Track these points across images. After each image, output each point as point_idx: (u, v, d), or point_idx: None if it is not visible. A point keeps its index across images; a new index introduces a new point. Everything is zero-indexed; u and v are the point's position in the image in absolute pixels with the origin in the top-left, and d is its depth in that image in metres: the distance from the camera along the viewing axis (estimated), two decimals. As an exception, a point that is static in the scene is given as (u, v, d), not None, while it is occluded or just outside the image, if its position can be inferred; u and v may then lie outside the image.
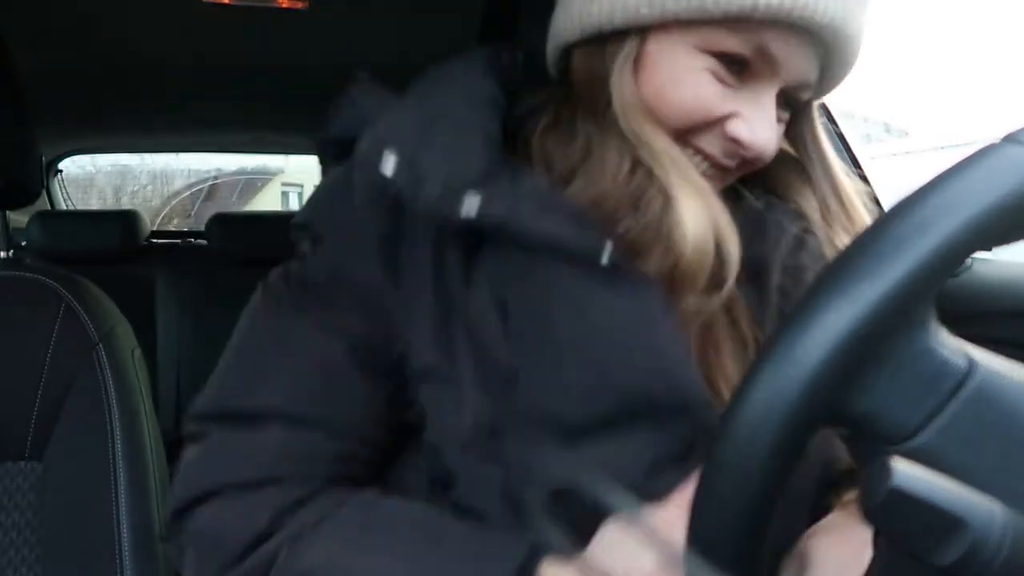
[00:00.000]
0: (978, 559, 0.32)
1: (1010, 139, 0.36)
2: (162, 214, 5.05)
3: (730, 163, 0.55)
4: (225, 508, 0.54)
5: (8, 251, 1.05)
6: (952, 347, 0.38)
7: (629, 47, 0.54)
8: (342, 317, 0.55)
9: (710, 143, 0.54)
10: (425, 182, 0.50)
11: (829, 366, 0.35)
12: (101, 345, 0.92)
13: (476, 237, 0.53)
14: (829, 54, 0.53)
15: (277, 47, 1.64)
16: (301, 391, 0.55)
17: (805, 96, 0.57)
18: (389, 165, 0.51)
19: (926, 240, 0.35)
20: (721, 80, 0.53)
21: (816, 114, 0.60)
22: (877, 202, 0.68)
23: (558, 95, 0.60)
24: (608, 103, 0.54)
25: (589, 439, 0.50)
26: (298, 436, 0.54)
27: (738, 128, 0.53)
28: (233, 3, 1.33)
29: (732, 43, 0.51)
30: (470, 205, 0.49)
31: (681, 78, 0.53)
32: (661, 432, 0.50)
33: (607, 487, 0.46)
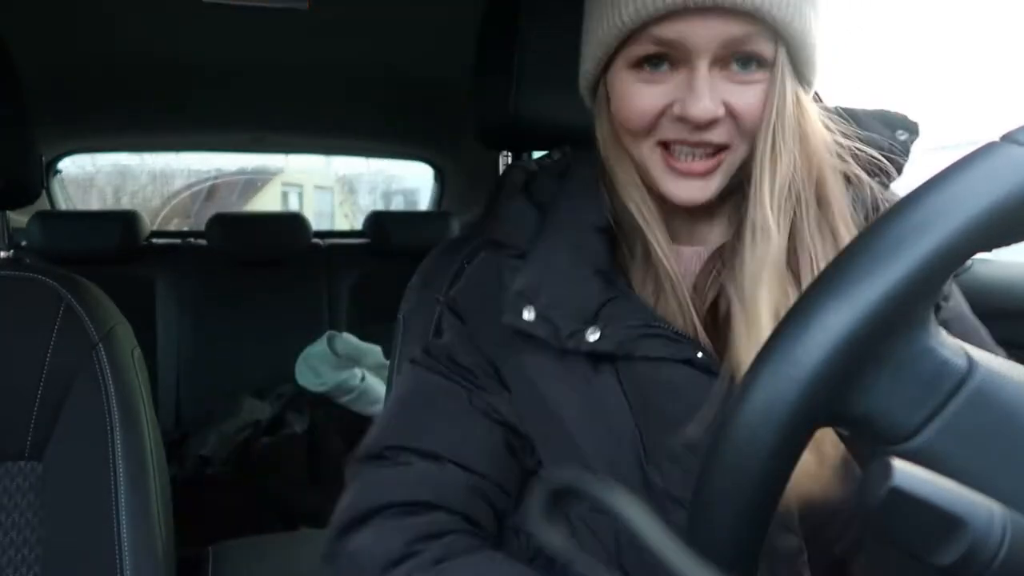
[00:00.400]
0: (978, 559, 0.32)
1: (1009, 139, 0.36)
2: (162, 214, 5.04)
3: (696, 136, 0.62)
4: (369, 534, 0.63)
5: (8, 251, 1.05)
6: (952, 347, 0.38)
7: (600, 94, 0.68)
8: (488, 400, 0.67)
9: (671, 130, 0.63)
10: (558, 328, 0.64)
11: (829, 366, 0.35)
12: (101, 345, 0.92)
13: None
14: (741, 8, 0.58)
15: (277, 47, 1.64)
16: (450, 444, 0.66)
17: (757, 48, 0.60)
18: (530, 316, 0.65)
19: (926, 240, 0.35)
20: (651, 82, 0.62)
21: (782, 75, 0.62)
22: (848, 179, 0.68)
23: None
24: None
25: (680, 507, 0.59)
26: (438, 468, 0.65)
27: (676, 109, 0.61)
28: (233, 3, 1.33)
29: (638, 50, 0.61)
30: (591, 339, 0.63)
31: (623, 97, 0.64)
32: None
33: (607, 487, 0.46)
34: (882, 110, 0.73)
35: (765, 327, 0.59)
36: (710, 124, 0.61)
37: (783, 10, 0.59)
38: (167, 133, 2.51)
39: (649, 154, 0.64)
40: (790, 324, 0.36)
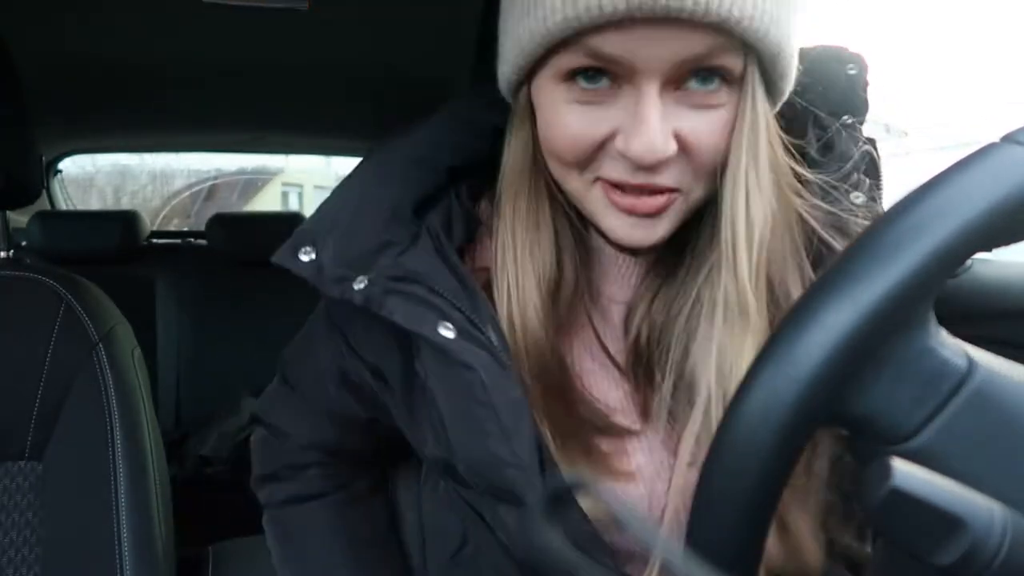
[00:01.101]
0: (978, 559, 0.32)
1: (1009, 139, 0.36)
2: (162, 214, 5.04)
3: (641, 180, 0.49)
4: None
5: (8, 251, 1.05)
6: (952, 347, 0.38)
7: (520, 102, 0.54)
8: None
9: (612, 168, 0.50)
10: (324, 271, 0.54)
11: (828, 366, 0.35)
12: (101, 345, 0.92)
13: None
14: (705, 20, 0.44)
15: (277, 47, 1.64)
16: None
17: (719, 62, 0.47)
18: (306, 257, 0.55)
19: (925, 240, 0.35)
20: (588, 103, 0.49)
21: (753, 96, 0.49)
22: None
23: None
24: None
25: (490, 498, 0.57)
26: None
27: (618, 144, 0.48)
28: (233, 3, 1.33)
29: (573, 60, 0.48)
30: (358, 287, 0.53)
31: (551, 118, 0.51)
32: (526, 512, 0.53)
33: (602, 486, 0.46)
34: (828, 47, 0.59)
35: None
36: (657, 165, 0.48)
37: (758, 20, 0.45)
38: (167, 133, 2.51)
39: (584, 188, 0.52)
40: (789, 324, 0.36)
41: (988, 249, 0.38)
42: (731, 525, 0.37)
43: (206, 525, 1.53)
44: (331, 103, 2.11)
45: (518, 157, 0.55)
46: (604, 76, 0.48)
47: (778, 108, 0.52)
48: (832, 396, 0.36)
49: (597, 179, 0.51)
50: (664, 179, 0.49)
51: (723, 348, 0.50)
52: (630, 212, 0.50)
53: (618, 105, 0.48)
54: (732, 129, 0.49)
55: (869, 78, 0.58)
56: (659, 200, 0.50)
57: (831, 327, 0.35)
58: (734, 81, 0.48)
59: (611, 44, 0.46)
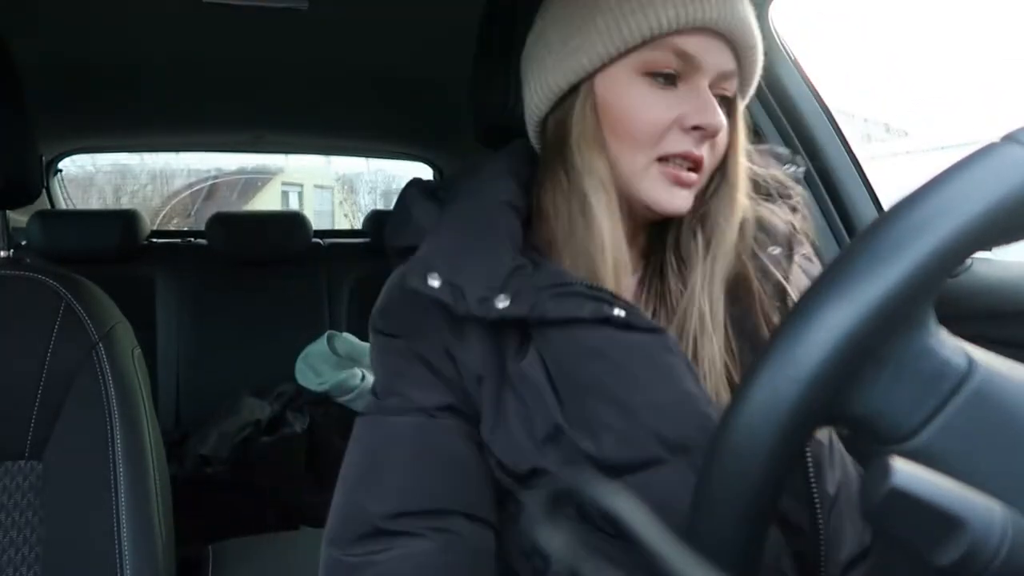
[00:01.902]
0: (978, 559, 0.32)
1: (1010, 139, 0.36)
2: (162, 214, 5.04)
3: (699, 150, 0.65)
4: None
5: (8, 250, 1.05)
6: (952, 347, 0.38)
7: (584, 92, 0.67)
8: (430, 392, 0.66)
9: (679, 142, 0.65)
10: (464, 293, 0.63)
11: (829, 366, 0.35)
12: (101, 345, 0.92)
13: (525, 324, 0.64)
14: (735, 48, 0.65)
15: (277, 47, 1.64)
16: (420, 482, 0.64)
17: (730, 88, 0.67)
18: (435, 282, 0.63)
19: (925, 240, 0.35)
20: (663, 93, 0.65)
21: (738, 118, 0.69)
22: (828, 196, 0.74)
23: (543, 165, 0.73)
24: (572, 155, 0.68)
25: (630, 475, 0.59)
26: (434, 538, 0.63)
27: (691, 119, 0.64)
28: (233, 3, 1.33)
29: (657, 58, 0.64)
30: (501, 305, 0.62)
31: (632, 103, 0.65)
32: (694, 467, 0.58)
33: (602, 488, 0.46)
34: (769, 146, 0.79)
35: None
36: (711, 138, 0.65)
37: (756, 56, 0.67)
38: (167, 133, 2.51)
39: (645, 166, 0.66)
40: (790, 324, 0.36)
41: (988, 249, 0.38)
42: (732, 524, 0.37)
43: (206, 525, 1.53)
44: (331, 103, 2.11)
45: (584, 137, 0.67)
46: (674, 78, 0.65)
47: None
48: (832, 396, 0.36)
49: (659, 159, 0.66)
50: (706, 156, 0.66)
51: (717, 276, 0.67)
52: (678, 182, 0.66)
53: (680, 99, 0.65)
54: (731, 137, 0.68)
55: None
56: (694, 176, 0.66)
57: (831, 327, 0.35)
58: (726, 105, 0.67)
59: (691, 44, 0.64)
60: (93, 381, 0.91)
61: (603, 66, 0.66)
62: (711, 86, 0.65)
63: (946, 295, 0.38)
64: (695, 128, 0.64)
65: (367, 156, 2.95)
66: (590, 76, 0.66)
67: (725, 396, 0.64)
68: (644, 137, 0.65)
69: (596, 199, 0.66)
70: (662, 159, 0.65)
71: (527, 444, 0.62)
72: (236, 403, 2.07)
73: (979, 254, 0.38)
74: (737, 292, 0.68)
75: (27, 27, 1.43)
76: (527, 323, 0.63)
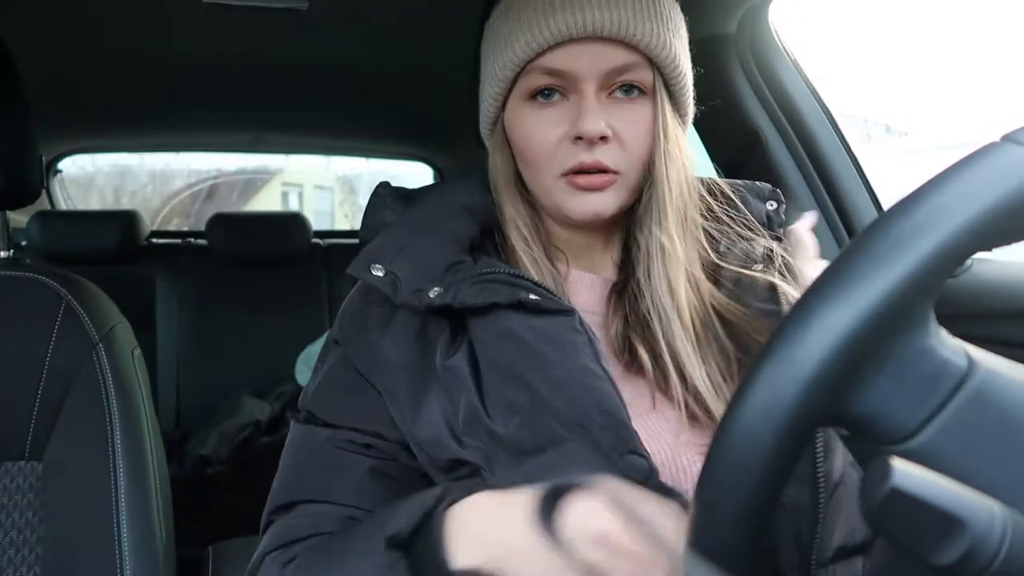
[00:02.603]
0: (978, 559, 0.32)
1: (1009, 139, 0.36)
2: (162, 214, 5.04)
3: (591, 158, 0.66)
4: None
5: (8, 251, 1.05)
6: (952, 347, 0.38)
7: (497, 132, 0.72)
8: (352, 435, 0.68)
9: (570, 155, 0.67)
10: (401, 284, 0.66)
11: (829, 366, 0.35)
12: (101, 345, 0.92)
13: (456, 318, 0.66)
14: (622, 41, 0.65)
15: (277, 47, 1.64)
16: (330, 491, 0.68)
17: (637, 78, 0.67)
18: (378, 273, 0.67)
19: (925, 241, 0.35)
20: (547, 111, 0.67)
21: (661, 105, 0.69)
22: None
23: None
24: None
25: (534, 457, 0.60)
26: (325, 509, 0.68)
27: (571, 131, 0.66)
28: (233, 3, 1.33)
29: (530, 81, 0.67)
30: (432, 293, 0.65)
31: (524, 130, 0.68)
32: (594, 446, 0.60)
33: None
34: (749, 182, 0.79)
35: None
36: (601, 141, 0.66)
37: (655, 40, 0.66)
38: (167, 133, 2.51)
39: (552, 183, 0.68)
40: (790, 324, 0.36)
41: (988, 249, 0.38)
42: (732, 524, 0.37)
43: (206, 525, 1.53)
44: (330, 103, 2.11)
45: (500, 175, 0.73)
46: (555, 92, 0.67)
47: (688, 123, 0.73)
48: (833, 396, 0.36)
49: (561, 175, 0.67)
50: (606, 159, 0.66)
51: (667, 278, 0.69)
52: (587, 188, 0.67)
53: (567, 111, 0.67)
54: (652, 126, 0.68)
55: (785, 215, 0.78)
56: (605, 177, 0.67)
57: (832, 327, 0.35)
58: (648, 93, 0.68)
59: (560, 60, 0.66)
60: (93, 381, 0.91)
61: (502, 105, 0.71)
62: (607, 85, 0.66)
63: (946, 295, 0.38)
64: (578, 138, 0.66)
65: (367, 156, 2.94)
66: (499, 116, 0.72)
67: (709, 398, 0.65)
68: (540, 159, 0.68)
69: (515, 228, 0.72)
70: (564, 174, 0.67)
71: (447, 437, 0.63)
72: (236, 403, 2.07)
73: (979, 254, 0.38)
74: (720, 312, 0.69)
75: (27, 27, 1.43)
76: (458, 315, 0.66)
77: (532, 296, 0.64)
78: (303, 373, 2.13)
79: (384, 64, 1.73)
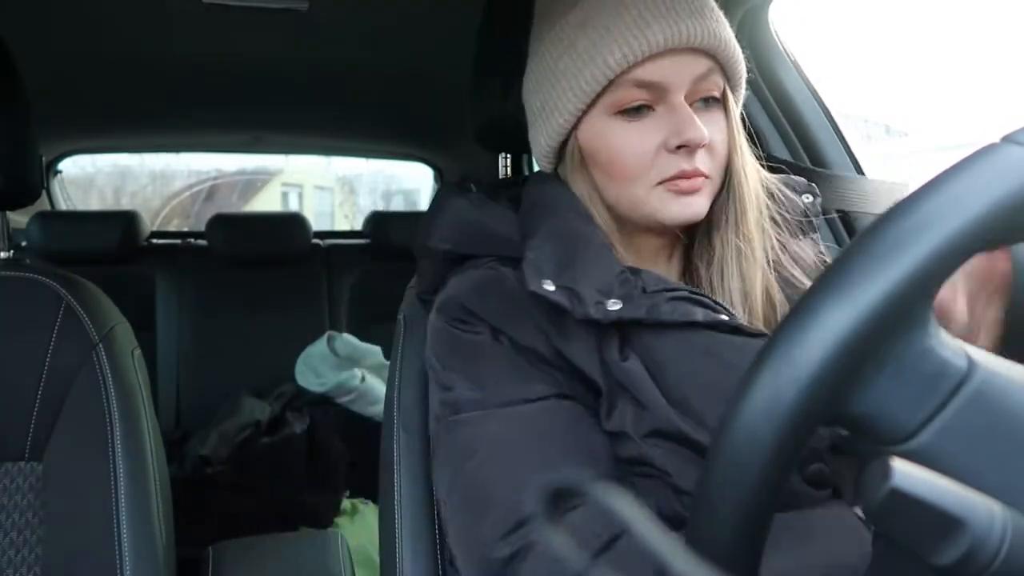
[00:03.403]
0: (978, 559, 0.32)
1: (1009, 139, 0.36)
2: (162, 214, 5.04)
3: (692, 165, 0.67)
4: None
5: (8, 251, 1.05)
6: (952, 347, 0.38)
7: (571, 147, 0.72)
8: (532, 384, 0.67)
9: (669, 165, 0.68)
10: (581, 297, 0.65)
11: (829, 366, 0.35)
12: (101, 345, 0.92)
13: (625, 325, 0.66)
14: (702, 49, 0.67)
15: (277, 47, 1.64)
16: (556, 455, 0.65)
17: (714, 87, 0.69)
18: (551, 287, 0.65)
19: (925, 241, 0.35)
20: (639, 124, 0.68)
21: (734, 111, 0.71)
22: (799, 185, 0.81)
23: None
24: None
25: None
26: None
27: (673, 141, 0.67)
28: (233, 3, 1.33)
29: (621, 96, 0.67)
30: (614, 308, 0.64)
31: (613, 145, 0.69)
32: None
33: (607, 490, 0.47)
34: (784, 176, 0.80)
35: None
36: (701, 148, 0.67)
37: (731, 49, 0.69)
38: (167, 133, 2.51)
39: (647, 193, 0.69)
40: (790, 324, 0.36)
41: (988, 250, 0.38)
42: (732, 525, 0.37)
43: (206, 525, 1.53)
44: (330, 103, 2.11)
45: (587, 191, 0.72)
46: (644, 109, 0.68)
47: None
48: (832, 396, 0.36)
49: (658, 183, 0.68)
50: (701, 164, 0.68)
51: (741, 279, 0.72)
52: (685, 192, 0.68)
53: (658, 123, 0.68)
54: (728, 133, 0.71)
55: (821, 206, 0.81)
56: (699, 181, 0.68)
57: (831, 327, 0.35)
58: (719, 102, 0.70)
59: (652, 72, 0.66)
60: (93, 382, 0.91)
61: (578, 121, 0.70)
62: (692, 94, 0.68)
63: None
64: (680, 147, 0.67)
65: (367, 156, 2.95)
66: (572, 131, 0.71)
67: None
68: (634, 172, 0.68)
69: (591, 231, 0.71)
70: (660, 183, 0.68)
71: (633, 438, 0.64)
72: (236, 403, 2.07)
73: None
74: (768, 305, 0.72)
75: (28, 27, 1.43)
76: (626, 326, 0.66)
77: (725, 317, 0.66)
78: (303, 374, 2.13)
79: (384, 64, 1.73)
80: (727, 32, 0.69)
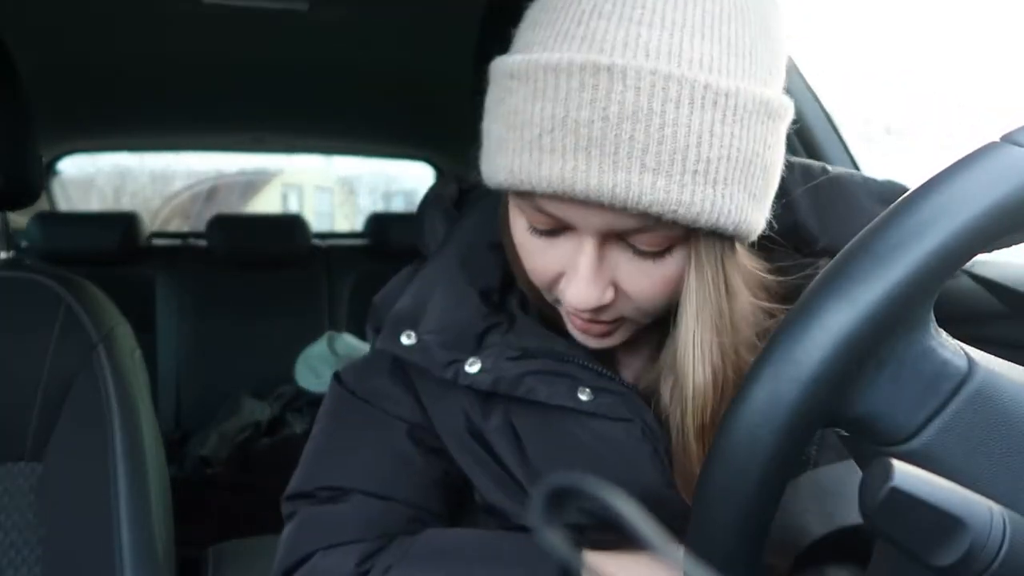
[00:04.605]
0: (978, 560, 0.32)
1: (1008, 139, 0.36)
2: (162, 215, 5.04)
3: (587, 316, 0.53)
4: (316, 565, 0.62)
5: (8, 252, 1.05)
6: (952, 348, 0.38)
7: (510, 202, 0.56)
8: (397, 408, 0.64)
9: (566, 300, 0.53)
10: (434, 357, 0.58)
11: (829, 367, 0.35)
12: (101, 346, 0.92)
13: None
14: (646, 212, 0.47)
15: (277, 47, 1.64)
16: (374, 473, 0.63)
17: (650, 242, 0.49)
18: (408, 341, 0.59)
19: (925, 241, 0.35)
20: (543, 240, 0.52)
21: (699, 252, 0.50)
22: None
23: None
24: None
25: None
26: (375, 506, 0.62)
27: (562, 287, 0.53)
28: (233, 3, 1.33)
29: (530, 213, 0.51)
30: (471, 370, 0.57)
31: (520, 244, 0.54)
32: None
33: (608, 491, 0.46)
34: (888, 182, 0.62)
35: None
36: (596, 309, 0.52)
37: (684, 208, 0.45)
38: (167, 133, 2.51)
39: (555, 300, 0.56)
40: (791, 325, 0.36)
41: (988, 249, 0.38)
42: (732, 525, 0.37)
43: (206, 525, 1.53)
44: (331, 103, 2.11)
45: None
46: (555, 229, 0.51)
47: (754, 237, 0.51)
48: (833, 397, 0.36)
49: (561, 303, 0.55)
50: (608, 316, 0.54)
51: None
52: (584, 331, 0.55)
53: (567, 246, 0.51)
54: (676, 279, 0.51)
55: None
56: (606, 327, 0.55)
57: (831, 328, 0.35)
58: (681, 239, 0.49)
59: (553, 207, 0.49)
60: (93, 382, 0.91)
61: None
62: (618, 238, 0.50)
63: (946, 295, 0.38)
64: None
65: (367, 156, 2.95)
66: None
67: None
68: (539, 282, 0.55)
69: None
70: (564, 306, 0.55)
71: (499, 495, 0.61)
72: (236, 404, 2.07)
73: (979, 255, 0.38)
74: None
75: (27, 27, 1.43)
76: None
77: (586, 398, 0.56)
78: (303, 374, 2.13)
79: (384, 64, 1.73)
80: (701, 183, 0.45)
